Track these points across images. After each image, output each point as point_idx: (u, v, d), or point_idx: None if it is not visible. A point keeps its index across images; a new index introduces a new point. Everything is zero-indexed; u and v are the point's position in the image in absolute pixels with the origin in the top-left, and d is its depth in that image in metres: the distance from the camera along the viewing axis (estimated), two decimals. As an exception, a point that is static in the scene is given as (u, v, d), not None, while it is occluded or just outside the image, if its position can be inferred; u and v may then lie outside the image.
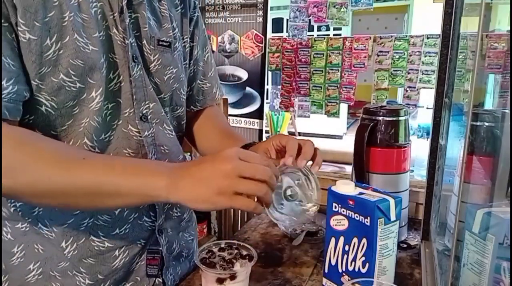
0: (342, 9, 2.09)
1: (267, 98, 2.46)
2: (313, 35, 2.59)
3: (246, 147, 0.81)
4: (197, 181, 0.55)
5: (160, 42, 0.74)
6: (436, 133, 0.91)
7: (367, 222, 0.68)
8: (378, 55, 2.09)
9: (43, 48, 0.59)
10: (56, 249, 0.71)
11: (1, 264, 0.71)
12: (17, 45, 0.58)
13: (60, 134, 0.65)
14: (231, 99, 2.42)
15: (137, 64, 0.70)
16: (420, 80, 2.03)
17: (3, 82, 0.56)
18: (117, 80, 0.68)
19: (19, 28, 0.57)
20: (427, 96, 2.03)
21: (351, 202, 0.71)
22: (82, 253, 0.71)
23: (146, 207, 0.76)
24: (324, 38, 2.22)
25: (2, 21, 0.56)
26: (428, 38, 1.98)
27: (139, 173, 0.58)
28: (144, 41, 0.72)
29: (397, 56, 2.05)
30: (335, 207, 0.74)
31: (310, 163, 0.73)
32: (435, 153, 0.91)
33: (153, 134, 0.74)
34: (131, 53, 0.68)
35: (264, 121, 2.37)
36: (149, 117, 0.73)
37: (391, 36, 2.04)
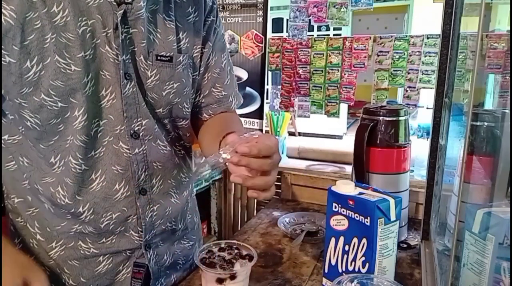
0: (342, 9, 2.09)
1: (267, 98, 2.46)
2: (313, 35, 2.59)
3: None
4: None
5: (159, 57, 0.72)
6: (436, 133, 0.91)
7: (367, 222, 0.68)
8: (378, 55, 2.09)
9: (22, 70, 0.60)
10: (44, 249, 0.74)
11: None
12: None
13: (48, 148, 0.67)
14: (231, 99, 2.41)
15: (129, 82, 0.68)
16: (420, 80, 2.02)
17: None
18: (109, 97, 0.68)
19: None
20: (427, 96, 2.03)
21: (351, 202, 0.71)
22: (68, 255, 0.74)
23: (134, 221, 0.76)
24: (324, 38, 2.22)
25: None
26: (428, 38, 1.98)
27: None
28: (141, 57, 0.70)
29: (397, 56, 2.05)
30: (335, 207, 0.74)
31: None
32: (435, 153, 0.91)
33: (144, 152, 0.73)
34: (123, 71, 0.67)
35: (264, 121, 2.37)
36: (141, 134, 0.72)
37: (391, 36, 2.04)
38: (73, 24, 0.62)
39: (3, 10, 0.57)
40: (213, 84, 0.85)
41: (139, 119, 0.71)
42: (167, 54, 0.73)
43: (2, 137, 0.68)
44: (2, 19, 0.57)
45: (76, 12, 0.62)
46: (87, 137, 0.67)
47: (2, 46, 0.58)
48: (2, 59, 0.58)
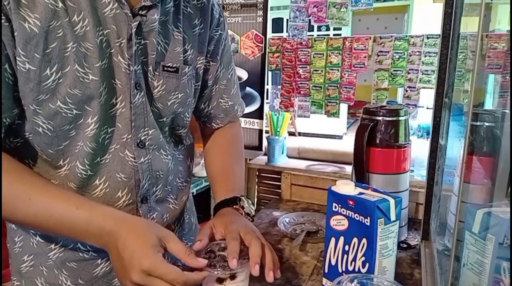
0: (342, 9, 2.09)
1: (267, 98, 2.45)
2: (313, 35, 2.59)
3: (222, 203, 0.77)
4: (117, 259, 0.58)
5: (166, 68, 0.72)
6: (436, 133, 0.91)
7: (367, 222, 0.68)
8: (378, 55, 2.09)
9: (42, 78, 0.60)
10: (43, 250, 0.75)
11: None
12: (12, 75, 0.59)
13: (57, 152, 0.67)
14: (231, 99, 2.41)
15: (139, 92, 0.69)
16: (420, 80, 2.02)
17: None
18: (118, 106, 0.68)
19: (18, 59, 0.58)
20: (427, 96, 2.03)
21: (351, 202, 0.71)
22: (67, 257, 0.75)
23: None
24: (324, 38, 2.22)
25: None
26: (428, 38, 1.98)
27: (92, 208, 0.61)
28: (150, 67, 0.70)
29: (397, 56, 2.05)
30: (335, 207, 0.74)
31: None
32: (435, 153, 0.91)
33: (149, 161, 0.74)
34: (134, 81, 0.68)
35: (264, 121, 2.37)
36: (146, 143, 0.73)
37: (391, 36, 2.04)
38: (92, 34, 0.62)
39: (27, 18, 0.57)
40: (221, 95, 0.89)
41: (146, 129, 0.72)
42: (174, 65, 0.73)
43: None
44: (27, 27, 0.57)
45: (94, 22, 0.62)
46: (96, 144, 0.67)
47: (23, 53, 0.58)
48: (22, 65, 0.58)
